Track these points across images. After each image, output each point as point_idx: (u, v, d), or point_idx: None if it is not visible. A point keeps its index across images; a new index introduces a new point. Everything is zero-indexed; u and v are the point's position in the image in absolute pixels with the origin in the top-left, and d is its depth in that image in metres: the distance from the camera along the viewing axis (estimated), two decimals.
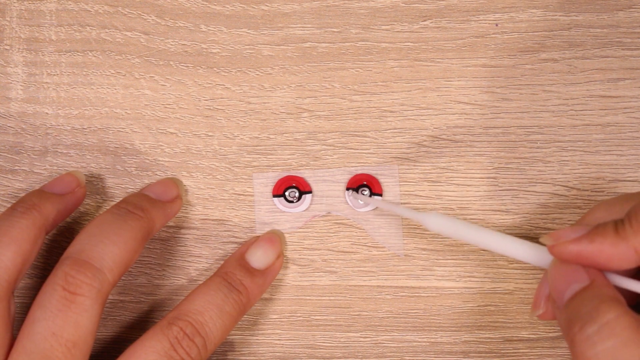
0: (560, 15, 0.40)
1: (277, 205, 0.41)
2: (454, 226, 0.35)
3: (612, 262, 0.31)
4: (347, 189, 0.41)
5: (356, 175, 0.41)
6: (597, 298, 0.30)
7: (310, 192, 0.41)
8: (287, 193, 0.41)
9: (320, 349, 0.41)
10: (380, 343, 0.41)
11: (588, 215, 0.35)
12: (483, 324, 0.41)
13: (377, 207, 0.40)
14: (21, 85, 0.42)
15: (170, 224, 0.41)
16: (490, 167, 0.40)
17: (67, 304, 0.34)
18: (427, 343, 0.41)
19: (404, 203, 0.40)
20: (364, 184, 0.40)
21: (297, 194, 0.41)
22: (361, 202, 0.40)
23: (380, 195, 0.40)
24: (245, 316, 0.41)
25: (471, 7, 0.40)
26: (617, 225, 0.31)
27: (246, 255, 0.39)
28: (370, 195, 0.40)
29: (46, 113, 0.42)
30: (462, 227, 0.35)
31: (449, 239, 0.40)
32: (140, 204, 0.38)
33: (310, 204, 0.41)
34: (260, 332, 0.41)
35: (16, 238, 0.35)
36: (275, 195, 0.41)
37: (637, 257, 0.31)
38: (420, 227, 0.40)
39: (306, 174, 0.41)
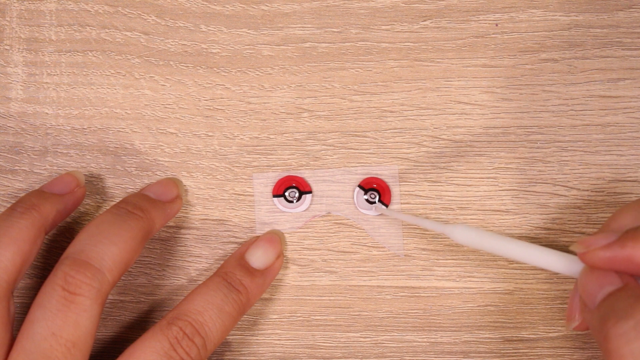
0: (560, 15, 0.40)
1: (277, 205, 0.41)
2: (481, 238, 0.35)
3: None
4: (359, 187, 0.40)
5: (369, 178, 0.40)
6: (633, 297, 0.30)
7: (310, 192, 0.41)
8: (287, 193, 0.41)
9: (320, 349, 0.41)
10: (380, 343, 0.41)
11: (612, 221, 0.34)
12: (483, 324, 0.41)
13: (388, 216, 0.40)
14: (21, 85, 0.42)
15: (170, 224, 0.41)
16: (490, 167, 0.40)
17: (67, 304, 0.34)
18: (427, 343, 0.41)
19: (404, 203, 0.40)
20: (373, 187, 0.40)
21: (297, 194, 0.41)
22: (375, 212, 0.40)
23: (386, 205, 0.40)
24: (245, 316, 0.41)
25: (471, 7, 0.40)
26: None
27: (246, 255, 0.39)
28: (378, 201, 0.40)
29: (46, 113, 0.42)
30: (489, 238, 0.34)
31: (445, 238, 0.40)
32: (140, 204, 0.38)
33: (310, 204, 0.41)
34: (260, 332, 0.41)
35: (15, 238, 0.35)
36: (275, 195, 0.41)
37: None
38: (420, 227, 0.40)
39: (306, 174, 0.41)
